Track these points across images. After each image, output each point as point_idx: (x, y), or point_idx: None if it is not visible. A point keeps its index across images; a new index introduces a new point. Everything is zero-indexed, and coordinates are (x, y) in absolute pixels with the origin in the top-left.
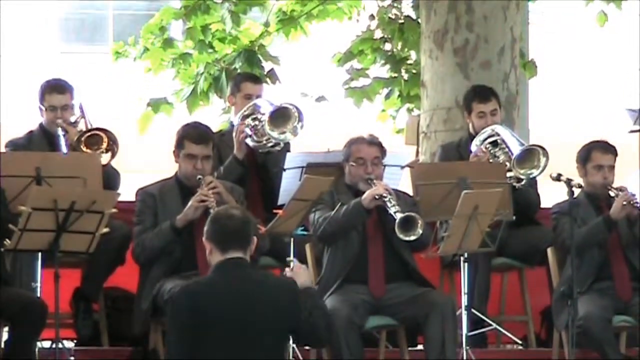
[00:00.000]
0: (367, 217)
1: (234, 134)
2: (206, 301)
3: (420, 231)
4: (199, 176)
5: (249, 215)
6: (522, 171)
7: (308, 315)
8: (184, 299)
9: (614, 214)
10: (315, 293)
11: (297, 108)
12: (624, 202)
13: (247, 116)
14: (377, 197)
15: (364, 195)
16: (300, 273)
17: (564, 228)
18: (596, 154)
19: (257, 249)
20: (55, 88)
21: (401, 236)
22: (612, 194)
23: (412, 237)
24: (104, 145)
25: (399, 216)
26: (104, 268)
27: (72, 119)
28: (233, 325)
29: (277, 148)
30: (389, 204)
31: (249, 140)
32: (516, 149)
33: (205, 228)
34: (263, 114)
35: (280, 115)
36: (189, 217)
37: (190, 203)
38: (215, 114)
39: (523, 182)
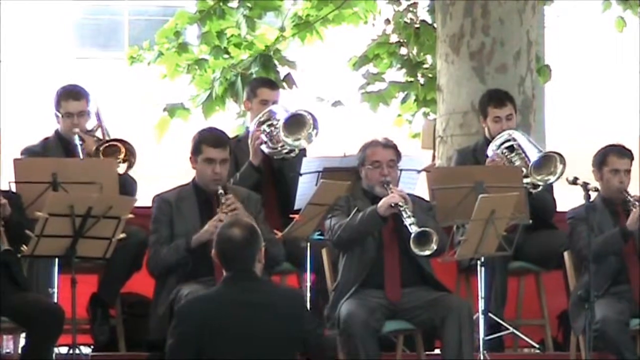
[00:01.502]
0: (383, 225)
1: (249, 141)
2: (213, 313)
3: (435, 246)
4: (220, 191)
5: (254, 230)
6: (538, 177)
7: (316, 327)
8: (190, 310)
9: (630, 225)
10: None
11: (312, 115)
12: None
13: (262, 122)
14: (392, 205)
15: (380, 203)
16: None
17: (581, 236)
18: (612, 158)
19: (272, 258)
20: (71, 94)
21: (416, 251)
22: (629, 199)
23: (427, 252)
24: (122, 155)
25: (414, 230)
26: (120, 273)
27: (89, 127)
28: (240, 336)
29: (292, 155)
30: (404, 214)
31: (264, 147)
32: (533, 155)
33: (213, 245)
34: (278, 121)
35: (295, 122)
36: (203, 239)
37: (206, 227)
38: (230, 119)
39: (539, 189)
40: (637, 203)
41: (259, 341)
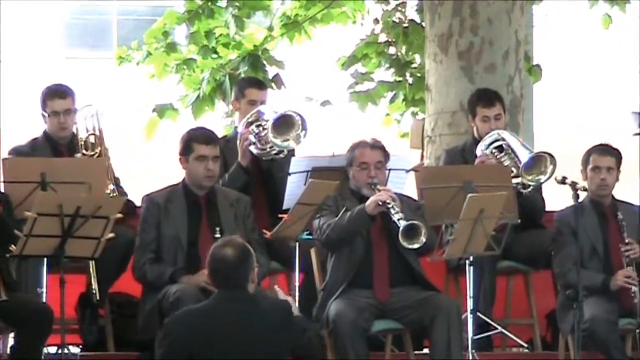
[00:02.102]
0: (371, 224)
1: (238, 141)
2: (200, 326)
3: (424, 239)
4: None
5: (246, 250)
6: (529, 177)
7: (302, 333)
8: (178, 322)
9: (614, 286)
10: (303, 320)
11: (300, 116)
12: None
13: (251, 123)
14: (380, 203)
15: (368, 202)
16: None
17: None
18: (594, 156)
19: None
20: (57, 93)
21: (404, 244)
22: (622, 249)
23: (416, 245)
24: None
25: (402, 224)
26: (109, 273)
27: (86, 134)
28: (228, 349)
29: (281, 155)
30: (392, 211)
31: (252, 148)
32: (523, 156)
33: (207, 264)
34: (267, 121)
35: (284, 123)
36: (192, 283)
37: (200, 278)
38: (218, 120)
39: (530, 189)
40: (630, 249)
41: (246, 353)
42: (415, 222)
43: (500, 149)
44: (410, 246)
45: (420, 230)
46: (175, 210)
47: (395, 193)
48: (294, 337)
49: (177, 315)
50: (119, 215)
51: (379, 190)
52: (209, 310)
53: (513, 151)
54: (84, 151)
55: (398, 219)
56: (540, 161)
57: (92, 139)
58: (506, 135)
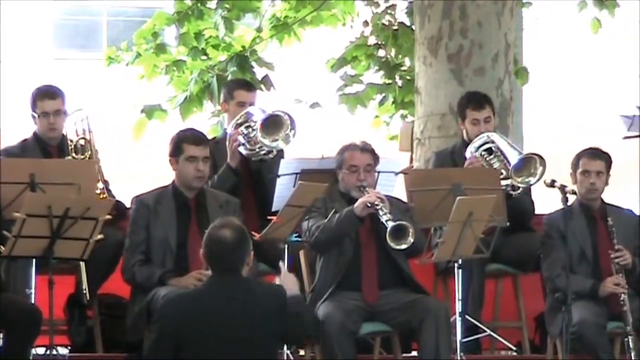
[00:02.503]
0: (360, 225)
1: (227, 143)
2: (193, 311)
3: (412, 240)
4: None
5: (244, 232)
6: (519, 179)
7: (296, 318)
8: (171, 306)
9: (602, 293)
10: (302, 301)
11: (289, 115)
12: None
13: (240, 124)
14: (369, 205)
15: (356, 204)
16: (287, 281)
17: (554, 260)
18: (584, 160)
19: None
20: (47, 94)
21: (392, 244)
22: (612, 256)
23: (403, 246)
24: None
25: (390, 225)
26: (98, 274)
27: (76, 138)
28: (221, 334)
29: (270, 156)
30: (381, 212)
31: (242, 149)
32: (513, 158)
33: (202, 244)
34: (255, 122)
35: (273, 123)
36: (177, 285)
37: (189, 280)
38: (206, 120)
39: (519, 191)
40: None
41: (240, 338)
42: (403, 222)
43: (489, 151)
44: (398, 247)
45: (408, 231)
46: (165, 211)
47: (385, 195)
48: (287, 325)
49: (171, 299)
50: (108, 216)
51: (368, 192)
52: (202, 295)
53: (502, 153)
54: (73, 154)
55: (386, 220)
56: (529, 163)
57: (82, 143)
58: (495, 137)
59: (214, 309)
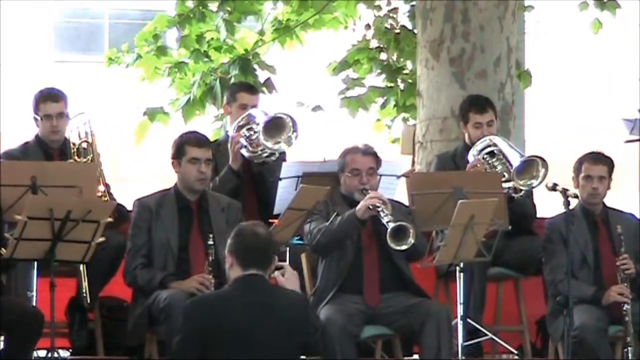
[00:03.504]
0: (362, 228)
1: (229, 145)
2: (219, 314)
3: (412, 241)
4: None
5: (272, 233)
6: (521, 182)
7: (316, 329)
8: (196, 308)
9: (606, 301)
10: (316, 318)
11: (291, 118)
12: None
13: (242, 126)
14: (371, 207)
15: (358, 207)
16: (290, 280)
17: (556, 265)
18: (586, 165)
19: None
20: (50, 97)
21: (393, 245)
22: (617, 263)
23: (404, 247)
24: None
25: (390, 226)
26: (99, 277)
27: (78, 142)
28: (245, 340)
29: (272, 158)
30: (382, 214)
31: (244, 151)
32: (515, 160)
33: (229, 241)
34: (258, 124)
35: (275, 126)
36: (179, 287)
37: (191, 284)
38: (208, 124)
39: (521, 193)
40: (626, 267)
41: (263, 344)
42: (404, 223)
43: (491, 154)
44: (399, 247)
45: (409, 232)
46: (167, 214)
47: (387, 198)
48: (310, 337)
49: (197, 301)
50: (110, 219)
51: (370, 195)
52: (228, 298)
53: (505, 156)
54: (76, 158)
55: (387, 222)
56: (532, 165)
57: (84, 146)
58: (498, 140)
59: (239, 313)
